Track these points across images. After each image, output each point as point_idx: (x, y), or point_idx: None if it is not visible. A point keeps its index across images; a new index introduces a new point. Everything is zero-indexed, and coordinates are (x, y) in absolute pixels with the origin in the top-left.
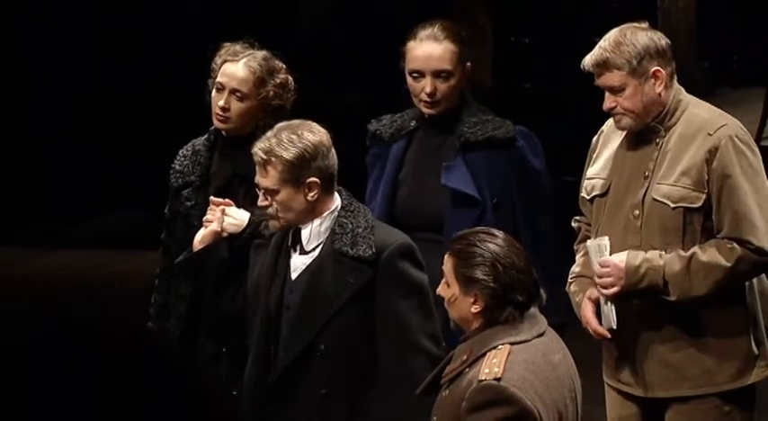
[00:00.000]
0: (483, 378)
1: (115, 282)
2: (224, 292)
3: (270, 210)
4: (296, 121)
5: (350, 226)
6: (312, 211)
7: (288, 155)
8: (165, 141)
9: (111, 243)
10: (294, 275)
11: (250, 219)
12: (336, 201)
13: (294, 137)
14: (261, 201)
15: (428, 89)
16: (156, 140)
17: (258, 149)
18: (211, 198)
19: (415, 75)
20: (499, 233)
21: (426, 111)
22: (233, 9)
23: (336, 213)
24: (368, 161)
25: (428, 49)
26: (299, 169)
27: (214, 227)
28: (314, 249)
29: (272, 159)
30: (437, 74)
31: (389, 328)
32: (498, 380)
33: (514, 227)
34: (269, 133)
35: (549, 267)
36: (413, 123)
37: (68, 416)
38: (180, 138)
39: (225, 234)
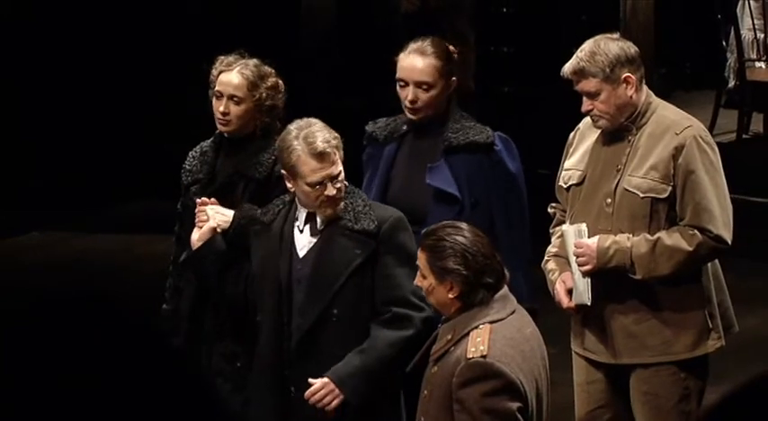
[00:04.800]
0: (471, 356)
1: (141, 263)
2: (227, 279)
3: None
4: (313, 121)
5: (350, 206)
6: None
7: (341, 143)
8: (184, 137)
9: (139, 228)
10: (302, 253)
11: (234, 215)
12: None
13: (332, 132)
14: (332, 191)
15: (410, 97)
16: (179, 137)
17: (329, 146)
18: (199, 199)
19: (402, 83)
20: (464, 225)
21: (409, 115)
22: (232, 9)
23: None
24: (364, 159)
25: (413, 61)
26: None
27: (211, 224)
28: (320, 230)
29: (337, 149)
30: (419, 84)
31: (386, 289)
32: (485, 357)
33: (491, 221)
34: (316, 131)
35: (521, 252)
36: (404, 127)
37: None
38: (195, 133)
39: (219, 230)
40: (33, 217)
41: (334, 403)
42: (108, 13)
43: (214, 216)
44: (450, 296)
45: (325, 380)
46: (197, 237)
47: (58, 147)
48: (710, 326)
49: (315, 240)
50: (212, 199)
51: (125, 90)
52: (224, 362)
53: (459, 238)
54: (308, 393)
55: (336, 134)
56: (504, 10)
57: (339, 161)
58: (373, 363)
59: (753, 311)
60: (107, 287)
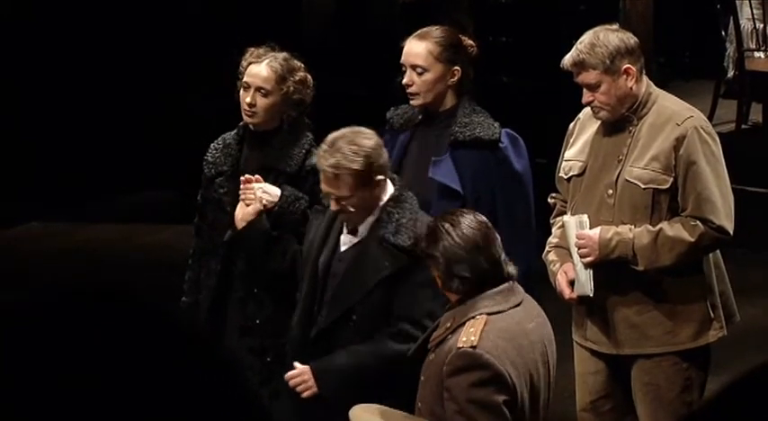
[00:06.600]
0: (461, 345)
1: (142, 252)
2: (274, 255)
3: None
4: (346, 131)
5: (396, 216)
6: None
7: (357, 166)
8: (188, 131)
9: (139, 217)
10: (343, 248)
11: (282, 195)
12: (389, 190)
13: (354, 147)
14: (333, 207)
15: (405, 80)
16: (181, 130)
17: (327, 167)
18: (243, 177)
19: (403, 67)
20: (466, 216)
21: (410, 101)
22: (232, 10)
23: (384, 203)
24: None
25: (410, 45)
26: (368, 174)
27: (257, 206)
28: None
29: (343, 173)
30: (414, 68)
31: (403, 305)
32: (474, 347)
33: (494, 220)
34: (326, 147)
35: (523, 252)
36: (420, 116)
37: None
38: (203, 126)
39: (264, 209)
40: (33, 207)
41: (307, 393)
42: (108, 12)
43: (261, 196)
44: (437, 278)
45: (307, 368)
46: (240, 216)
47: (58, 139)
48: (712, 315)
49: (355, 241)
50: (256, 176)
51: (125, 84)
52: (253, 357)
53: (447, 225)
54: (287, 375)
55: (362, 157)
56: (503, 0)
57: (342, 185)
58: (353, 367)
59: (752, 301)
60: (108, 277)
